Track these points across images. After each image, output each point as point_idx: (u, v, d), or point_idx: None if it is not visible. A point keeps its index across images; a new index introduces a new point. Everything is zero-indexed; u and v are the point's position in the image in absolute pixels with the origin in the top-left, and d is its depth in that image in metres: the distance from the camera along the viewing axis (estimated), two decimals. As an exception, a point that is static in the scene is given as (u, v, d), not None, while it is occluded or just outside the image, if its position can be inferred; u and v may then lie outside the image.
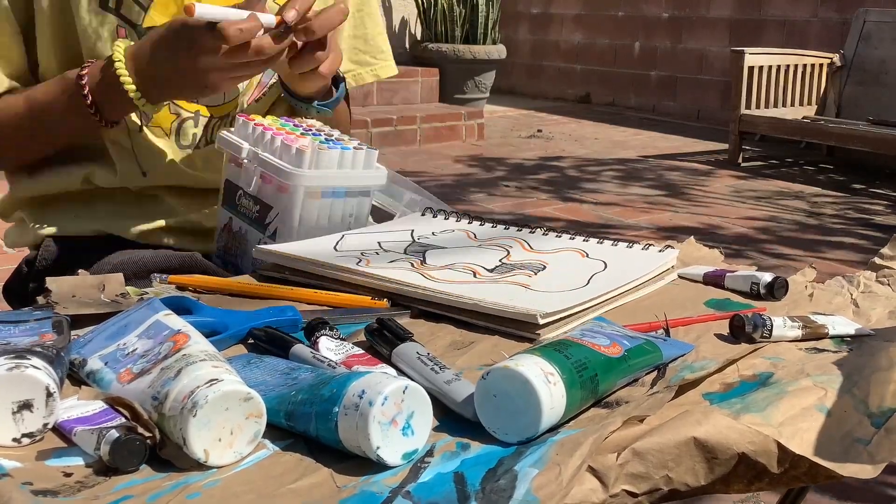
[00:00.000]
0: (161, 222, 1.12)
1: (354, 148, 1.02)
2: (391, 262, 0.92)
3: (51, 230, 1.11)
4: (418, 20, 6.84)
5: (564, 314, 0.81)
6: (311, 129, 1.05)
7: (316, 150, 1.00)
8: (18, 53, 1.07)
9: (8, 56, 1.07)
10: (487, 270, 0.91)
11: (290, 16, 0.94)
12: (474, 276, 0.89)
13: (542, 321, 0.78)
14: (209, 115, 1.12)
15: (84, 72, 1.00)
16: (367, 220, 1.09)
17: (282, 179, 0.99)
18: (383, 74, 1.28)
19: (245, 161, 1.02)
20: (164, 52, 0.96)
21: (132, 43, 1.00)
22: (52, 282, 0.84)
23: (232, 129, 1.07)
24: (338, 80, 1.15)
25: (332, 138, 1.03)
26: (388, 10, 6.88)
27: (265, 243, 1.01)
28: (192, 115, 1.11)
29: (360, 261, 0.91)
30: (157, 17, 1.06)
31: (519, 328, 0.79)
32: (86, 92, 0.99)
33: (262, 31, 0.93)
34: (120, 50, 0.99)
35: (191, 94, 1.05)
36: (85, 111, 1.00)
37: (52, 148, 1.10)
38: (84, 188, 1.10)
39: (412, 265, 0.91)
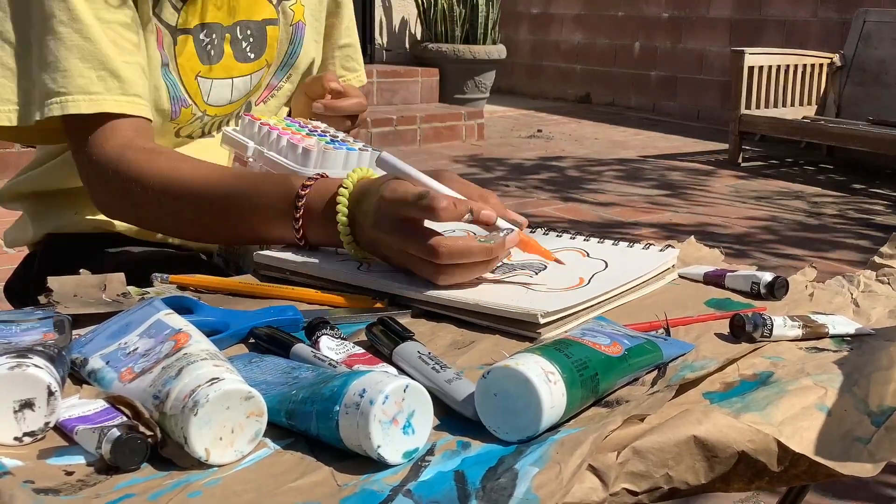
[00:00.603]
0: None
1: (360, 149, 1.03)
2: (392, 262, 0.92)
3: (51, 227, 1.12)
4: (418, 20, 6.85)
5: (565, 314, 0.81)
6: (316, 130, 1.05)
7: (322, 149, 1.00)
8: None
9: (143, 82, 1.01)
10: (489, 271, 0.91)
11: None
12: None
13: (542, 321, 0.78)
14: (213, 114, 1.13)
15: (309, 184, 0.90)
16: None
17: None
18: (358, 83, 1.35)
19: (250, 159, 1.02)
20: (385, 243, 0.86)
21: (372, 175, 0.90)
22: (53, 281, 0.84)
23: (237, 127, 1.07)
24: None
25: (338, 139, 1.04)
26: (387, 10, 6.88)
27: None
28: (200, 114, 1.12)
29: (362, 265, 0.91)
30: (192, 18, 1.06)
31: (520, 328, 0.80)
32: (300, 204, 0.89)
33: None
34: (353, 179, 0.89)
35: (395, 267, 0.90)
36: (290, 232, 0.91)
37: (213, 239, 1.05)
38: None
39: (413, 265, 0.91)
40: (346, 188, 0.88)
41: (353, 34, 1.34)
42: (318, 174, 0.92)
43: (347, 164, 1.02)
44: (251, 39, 1.13)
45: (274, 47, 1.16)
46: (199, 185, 0.95)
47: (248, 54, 1.13)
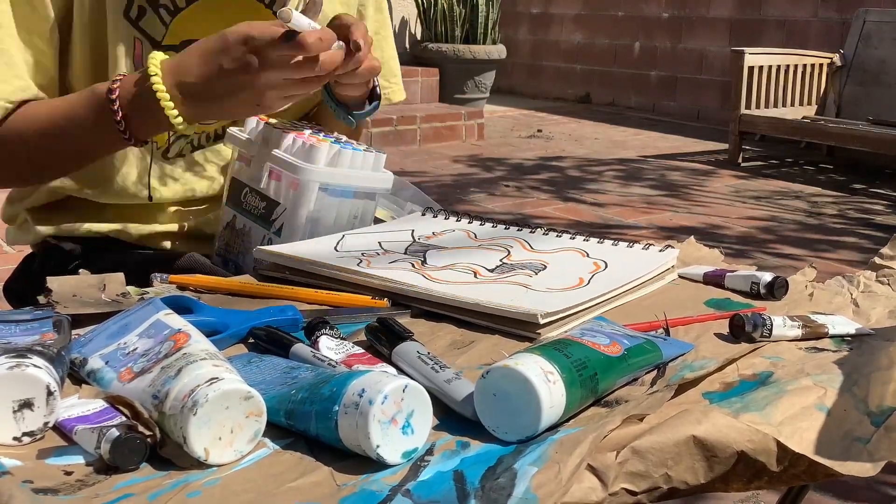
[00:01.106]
0: (162, 226, 1.12)
1: (364, 150, 1.03)
2: (392, 262, 0.92)
3: (52, 230, 1.12)
4: (418, 20, 6.85)
5: (565, 314, 0.81)
6: (320, 131, 1.05)
7: (328, 147, 1.00)
8: (52, 60, 1.01)
9: (41, 62, 1.00)
10: (488, 270, 0.91)
11: (363, 50, 0.92)
12: (475, 276, 0.89)
13: (542, 321, 0.78)
14: (199, 130, 1.12)
15: (115, 85, 0.92)
16: (370, 225, 1.09)
17: (292, 174, 0.99)
18: (394, 98, 1.28)
19: (254, 157, 1.03)
20: (215, 66, 0.89)
21: (168, 56, 0.93)
22: (52, 281, 0.84)
23: (241, 128, 1.07)
24: (374, 95, 1.13)
25: (342, 140, 1.04)
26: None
27: (270, 239, 1.01)
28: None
29: (361, 261, 0.91)
30: (178, 34, 1.03)
31: (520, 328, 0.80)
32: (116, 107, 0.91)
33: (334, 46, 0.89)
34: (156, 63, 0.91)
35: (240, 112, 0.97)
36: (113, 127, 0.92)
37: (72, 166, 1.04)
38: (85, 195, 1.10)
39: (413, 265, 0.91)
40: (153, 61, 0.91)
41: (382, 47, 1.26)
42: (119, 76, 0.94)
43: (353, 163, 1.03)
44: None
45: None
46: (20, 124, 0.97)
47: None
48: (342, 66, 0.92)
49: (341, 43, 0.91)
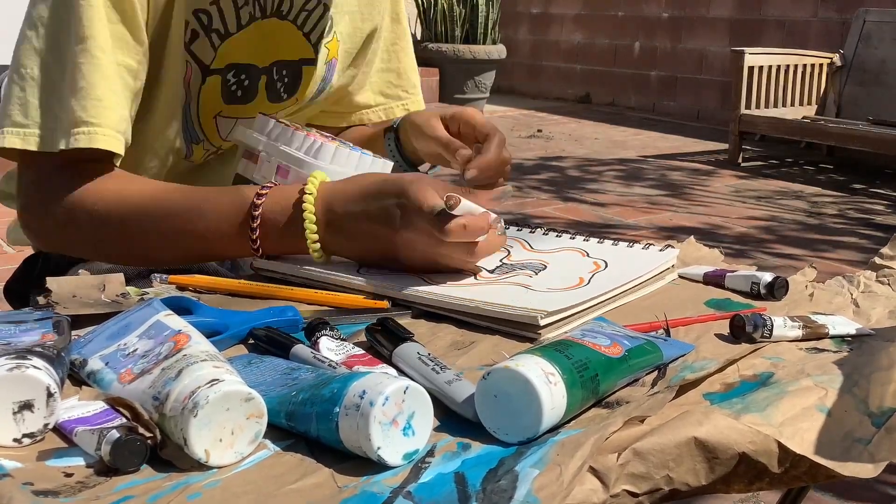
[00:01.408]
0: None
1: (373, 156, 1.04)
2: (391, 262, 0.92)
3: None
4: (418, 20, 6.85)
5: (565, 314, 0.81)
6: (328, 136, 1.06)
7: (336, 147, 1.01)
8: (134, 100, 0.95)
9: (128, 99, 0.93)
10: (488, 271, 0.91)
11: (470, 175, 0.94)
12: (475, 277, 0.89)
13: (542, 322, 0.78)
14: (228, 147, 1.13)
15: (263, 192, 0.88)
16: None
17: (300, 170, 0.99)
18: (413, 108, 1.27)
19: (262, 152, 1.03)
20: (363, 206, 0.85)
21: (328, 179, 0.89)
22: (52, 282, 0.84)
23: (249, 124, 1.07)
24: None
25: (349, 145, 1.04)
26: (388, 10, 6.88)
27: None
28: (216, 148, 1.11)
29: (360, 268, 0.91)
30: (225, 58, 1.02)
31: (520, 328, 0.79)
32: (257, 214, 0.87)
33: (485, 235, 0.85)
34: (315, 184, 0.88)
35: (373, 261, 0.90)
36: (245, 244, 0.88)
37: (171, 262, 0.94)
38: None
39: (412, 265, 0.91)
40: (313, 181, 0.87)
41: (399, 58, 1.25)
42: (272, 183, 0.90)
43: (360, 167, 1.03)
44: (286, 80, 1.10)
45: (307, 86, 1.13)
46: (146, 202, 0.91)
47: (282, 94, 1.11)
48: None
49: (500, 221, 0.86)
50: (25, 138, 0.90)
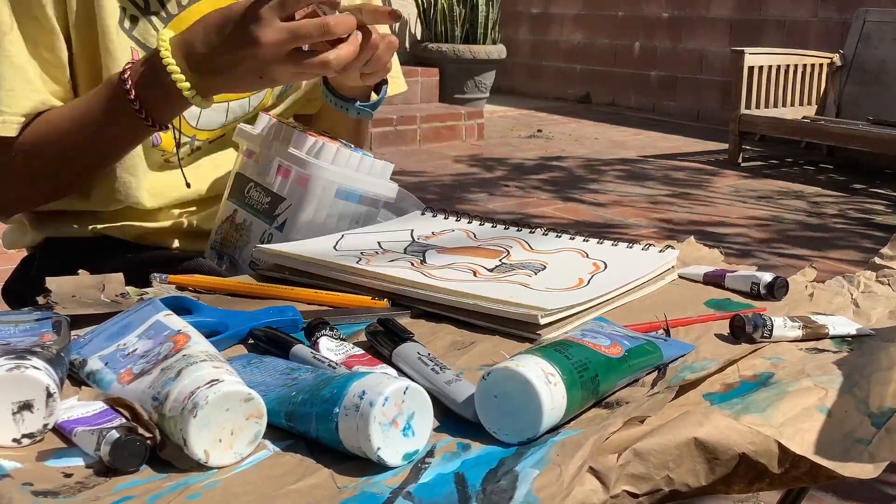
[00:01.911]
0: (159, 224, 1.11)
1: (373, 158, 1.04)
2: (391, 261, 0.92)
3: (50, 232, 1.11)
4: (418, 20, 6.85)
5: (565, 314, 0.81)
6: (329, 136, 1.06)
7: (338, 148, 1.01)
8: (62, 72, 1.00)
9: (53, 74, 0.99)
10: (487, 270, 0.91)
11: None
12: (474, 275, 0.89)
13: (542, 321, 0.78)
14: (204, 137, 1.12)
15: (127, 67, 0.93)
16: None
17: (302, 170, 1.00)
18: (395, 90, 1.26)
19: (263, 152, 1.03)
20: (218, 37, 0.89)
21: (175, 33, 0.92)
22: (51, 282, 0.84)
23: (252, 124, 1.07)
24: (379, 85, 1.12)
25: (351, 146, 1.04)
26: (388, 10, 6.88)
27: (271, 234, 1.01)
28: (189, 139, 1.11)
29: (360, 260, 0.91)
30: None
31: (520, 328, 0.79)
32: (129, 87, 0.91)
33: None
34: (165, 39, 0.91)
35: (246, 85, 0.95)
36: (131, 113, 0.92)
37: (97, 163, 1.02)
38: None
39: (412, 264, 0.91)
40: (162, 38, 0.91)
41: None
42: (130, 62, 0.94)
43: (361, 167, 1.03)
44: None
45: None
46: (43, 131, 0.98)
47: None
48: (361, 49, 0.90)
49: (351, 15, 0.88)
50: None
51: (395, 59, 1.25)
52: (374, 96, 1.12)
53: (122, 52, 1.01)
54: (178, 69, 0.90)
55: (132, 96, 0.91)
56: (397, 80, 1.27)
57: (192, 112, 1.07)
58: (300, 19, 0.88)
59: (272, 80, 0.92)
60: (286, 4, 0.87)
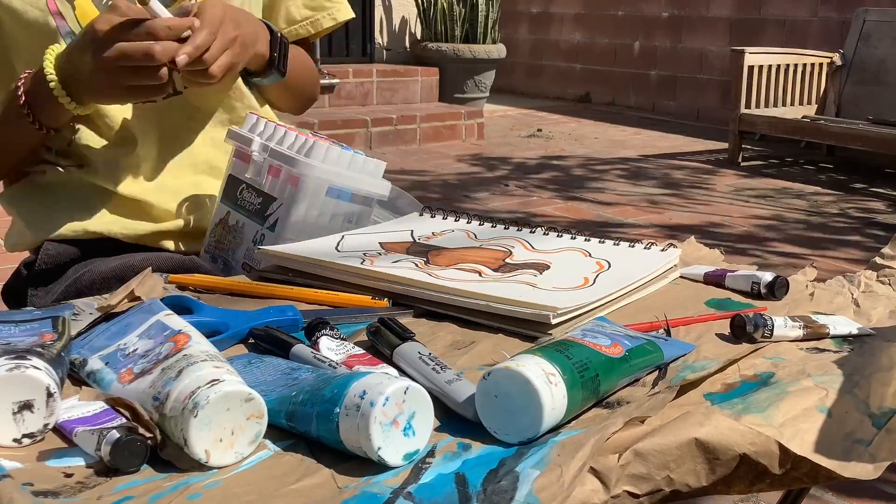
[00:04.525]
0: (158, 226, 1.11)
1: (364, 156, 1.04)
2: (394, 262, 0.92)
3: (48, 233, 1.11)
4: (418, 20, 6.84)
5: (576, 312, 0.81)
6: (320, 135, 1.06)
7: (328, 146, 1.01)
8: None
9: None
10: (492, 270, 0.91)
11: (181, 60, 0.92)
12: (479, 276, 0.89)
13: (554, 321, 0.78)
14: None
15: (22, 78, 1.02)
16: None
17: (293, 168, 1.00)
18: (340, 17, 1.25)
19: (255, 152, 1.03)
20: (78, 48, 0.96)
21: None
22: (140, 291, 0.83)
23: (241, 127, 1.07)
24: (272, 65, 1.11)
25: (342, 145, 1.04)
26: (387, 10, 6.88)
27: (262, 235, 1.01)
28: None
29: (364, 261, 0.91)
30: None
31: (530, 328, 0.79)
32: (21, 93, 1.00)
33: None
34: (51, 53, 1.00)
35: (106, 93, 0.99)
36: (23, 117, 1.01)
37: (8, 158, 1.10)
38: (81, 186, 1.10)
39: (416, 265, 0.91)
40: (49, 52, 0.99)
41: None
42: (27, 71, 1.02)
43: (352, 165, 1.03)
44: None
45: None
46: None
47: None
48: (191, 62, 0.93)
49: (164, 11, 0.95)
50: None
51: None
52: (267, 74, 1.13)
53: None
54: (55, 79, 0.98)
55: (22, 101, 1.01)
56: (341, 7, 1.25)
57: None
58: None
59: (121, 97, 0.99)
60: (112, 23, 0.94)
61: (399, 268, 0.89)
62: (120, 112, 1.09)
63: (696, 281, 0.97)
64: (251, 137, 1.04)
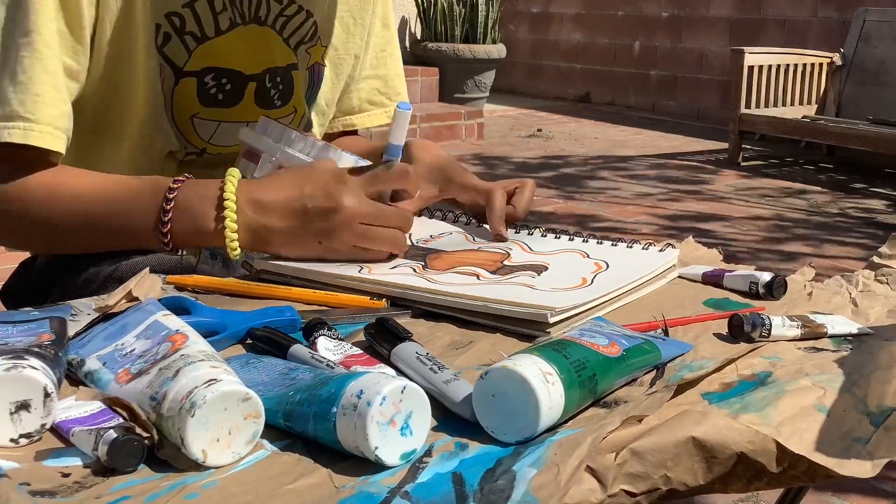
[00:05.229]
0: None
1: (371, 164, 1.04)
2: (392, 267, 0.92)
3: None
4: (418, 19, 6.85)
5: (574, 312, 0.81)
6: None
7: (341, 153, 1.01)
8: (76, 89, 0.95)
9: (70, 89, 0.94)
10: (490, 273, 0.91)
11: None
12: (477, 279, 0.89)
13: (552, 320, 0.78)
14: (216, 152, 1.12)
15: (177, 185, 0.89)
16: None
17: None
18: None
19: (264, 153, 1.03)
20: (297, 187, 0.88)
21: (246, 178, 0.91)
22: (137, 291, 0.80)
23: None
24: None
25: (349, 152, 1.04)
26: (387, 10, 6.88)
27: None
28: (198, 150, 1.11)
29: (362, 268, 0.91)
30: (201, 61, 1.02)
31: (528, 327, 0.79)
32: (168, 208, 0.88)
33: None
34: (233, 181, 0.88)
35: (307, 243, 0.91)
36: (154, 232, 0.89)
37: (88, 249, 1.00)
38: None
39: (414, 270, 0.91)
40: (231, 178, 0.89)
41: (386, 65, 1.26)
42: (185, 176, 0.91)
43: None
44: (280, 87, 1.10)
45: (300, 93, 1.13)
46: (74, 200, 0.93)
47: (275, 101, 1.10)
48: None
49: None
50: None
51: (402, 86, 1.28)
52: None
53: (151, 67, 0.99)
54: (234, 227, 0.87)
55: (165, 220, 0.88)
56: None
57: (202, 127, 1.07)
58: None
59: (331, 249, 0.90)
60: (376, 181, 0.91)
61: (397, 274, 0.89)
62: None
63: (695, 281, 0.97)
64: (261, 138, 1.04)
